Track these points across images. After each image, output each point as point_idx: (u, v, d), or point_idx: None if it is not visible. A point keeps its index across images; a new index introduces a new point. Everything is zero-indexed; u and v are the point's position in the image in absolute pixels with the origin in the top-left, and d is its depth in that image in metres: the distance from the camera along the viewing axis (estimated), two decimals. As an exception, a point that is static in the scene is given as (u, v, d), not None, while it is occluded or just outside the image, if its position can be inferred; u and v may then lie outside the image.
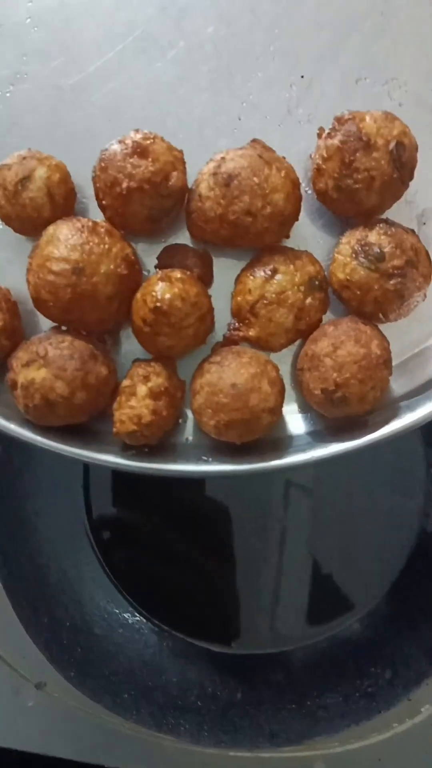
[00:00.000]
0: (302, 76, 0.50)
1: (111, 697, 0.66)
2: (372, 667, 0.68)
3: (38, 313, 0.48)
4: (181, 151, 0.46)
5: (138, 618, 0.72)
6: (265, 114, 0.50)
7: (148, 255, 0.49)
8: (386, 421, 0.47)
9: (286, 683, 0.70)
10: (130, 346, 0.49)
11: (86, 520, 0.71)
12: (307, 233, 0.49)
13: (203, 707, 0.68)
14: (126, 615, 0.72)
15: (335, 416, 0.47)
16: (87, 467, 0.71)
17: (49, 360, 0.44)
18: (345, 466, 0.70)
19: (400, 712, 0.65)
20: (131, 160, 0.44)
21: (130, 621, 0.72)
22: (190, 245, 0.49)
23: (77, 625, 0.69)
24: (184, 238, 0.49)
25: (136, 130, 0.45)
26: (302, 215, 0.48)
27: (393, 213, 0.48)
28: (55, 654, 0.66)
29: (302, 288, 0.46)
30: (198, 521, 0.71)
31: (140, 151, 0.44)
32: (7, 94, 0.50)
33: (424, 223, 0.49)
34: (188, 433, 0.50)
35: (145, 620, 0.71)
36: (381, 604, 0.71)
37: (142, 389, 0.45)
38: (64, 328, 0.47)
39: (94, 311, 0.45)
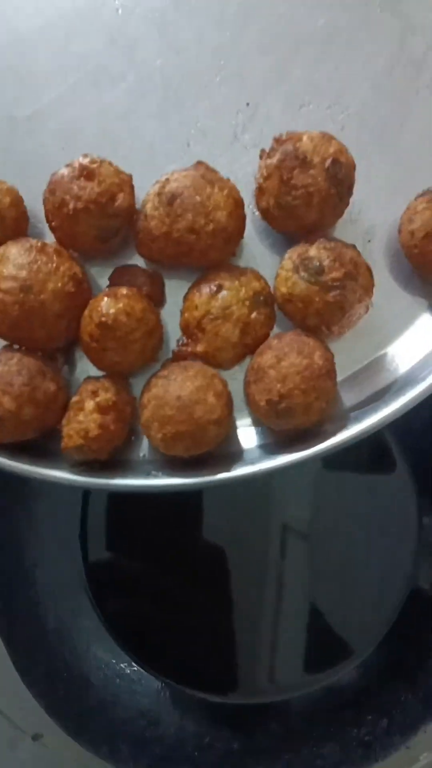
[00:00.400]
0: (248, 103, 0.51)
1: (108, 747, 0.65)
2: (368, 716, 0.67)
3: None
4: (129, 175, 0.48)
5: (135, 669, 0.71)
6: (212, 139, 0.52)
7: (101, 276, 0.51)
8: (334, 433, 0.47)
9: (283, 732, 0.69)
10: (85, 365, 0.50)
11: (83, 571, 0.71)
12: (255, 252, 0.51)
13: (200, 757, 0.67)
14: (123, 665, 0.71)
15: (282, 428, 0.48)
16: (85, 516, 0.71)
17: (-3, 376, 0.45)
18: (341, 511, 0.71)
19: (399, 761, 0.64)
20: (78, 182, 0.46)
21: (127, 671, 0.71)
22: (142, 266, 0.51)
23: (74, 675, 0.69)
24: (136, 259, 0.51)
25: (84, 155, 0.47)
26: (250, 235, 0.50)
27: (339, 231, 0.50)
28: (52, 705, 0.66)
29: (247, 303, 0.47)
30: (194, 567, 0.71)
31: (87, 173, 0.46)
32: (-37, 125, 0.52)
33: (369, 241, 0.51)
34: (143, 449, 0.51)
35: (142, 671, 0.71)
36: (377, 652, 0.70)
37: (89, 404, 0.46)
38: (16, 346, 0.48)
39: (42, 328, 0.46)
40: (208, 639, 0.71)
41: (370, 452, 0.71)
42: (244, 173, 0.50)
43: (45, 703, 0.65)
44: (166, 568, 0.71)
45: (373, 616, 0.70)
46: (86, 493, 0.71)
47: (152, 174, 0.49)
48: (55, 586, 0.72)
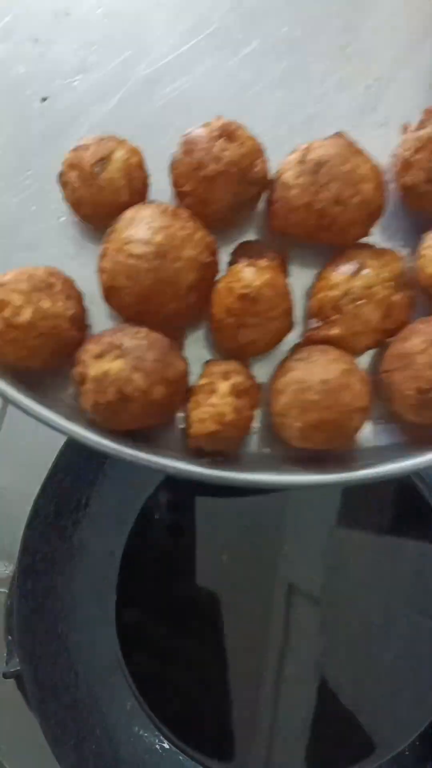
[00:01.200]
0: (377, 79, 0.48)
1: None
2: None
3: (94, 314, 0.45)
4: (260, 142, 0.44)
5: (167, 746, 0.66)
6: (339, 115, 0.48)
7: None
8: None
9: None
10: (196, 350, 0.46)
11: (118, 642, 0.65)
12: (385, 234, 0.47)
13: None
14: (153, 739, 0.66)
15: (425, 422, 0.43)
16: (120, 587, 0.65)
17: (126, 350, 0.40)
18: (357, 573, 0.64)
19: None
20: (218, 143, 0.42)
21: (156, 747, 0.66)
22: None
23: (104, 748, 0.65)
24: (248, 236, 0.47)
25: (218, 117, 0.43)
26: (380, 216, 0.47)
27: None
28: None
29: (391, 284, 0.43)
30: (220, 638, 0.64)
31: (228, 134, 0.42)
32: (75, 83, 0.47)
33: None
34: (253, 445, 0.46)
35: (172, 748, 0.65)
36: (413, 749, 0.62)
37: (223, 386, 0.41)
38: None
39: (173, 301, 0.41)
40: (233, 715, 0.64)
41: (405, 512, 0.64)
42: (373, 152, 0.46)
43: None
44: (197, 640, 0.65)
45: (405, 704, 0.61)
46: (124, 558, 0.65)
47: (275, 146, 0.45)
48: (89, 655, 0.66)
